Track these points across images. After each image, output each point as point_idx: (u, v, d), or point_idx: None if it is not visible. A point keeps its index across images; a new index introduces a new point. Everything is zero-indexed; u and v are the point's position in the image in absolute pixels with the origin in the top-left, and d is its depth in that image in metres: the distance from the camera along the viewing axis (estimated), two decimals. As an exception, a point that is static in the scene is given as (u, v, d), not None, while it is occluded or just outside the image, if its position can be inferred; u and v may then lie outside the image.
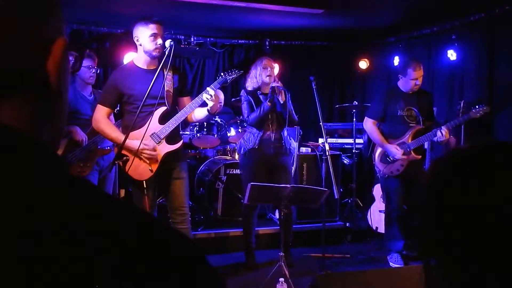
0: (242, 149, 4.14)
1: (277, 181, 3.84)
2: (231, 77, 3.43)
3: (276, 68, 4.47)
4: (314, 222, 4.97)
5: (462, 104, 4.33)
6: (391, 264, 4.28)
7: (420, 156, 4.26)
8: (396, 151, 4.15)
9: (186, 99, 3.38)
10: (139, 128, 3.15)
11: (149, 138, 3.18)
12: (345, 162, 5.83)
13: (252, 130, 4.10)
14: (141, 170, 3.19)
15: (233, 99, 5.68)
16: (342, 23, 5.70)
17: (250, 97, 4.10)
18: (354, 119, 5.42)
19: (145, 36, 3.14)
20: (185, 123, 4.44)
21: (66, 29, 0.57)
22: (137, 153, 3.13)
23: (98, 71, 4.18)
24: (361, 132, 5.89)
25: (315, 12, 5.03)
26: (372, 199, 5.14)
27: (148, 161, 3.18)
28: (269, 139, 4.05)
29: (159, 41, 3.15)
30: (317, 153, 5.20)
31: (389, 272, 2.59)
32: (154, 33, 3.13)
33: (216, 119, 5.06)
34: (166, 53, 3.10)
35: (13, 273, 0.41)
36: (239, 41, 6.54)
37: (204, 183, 5.01)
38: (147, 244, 0.47)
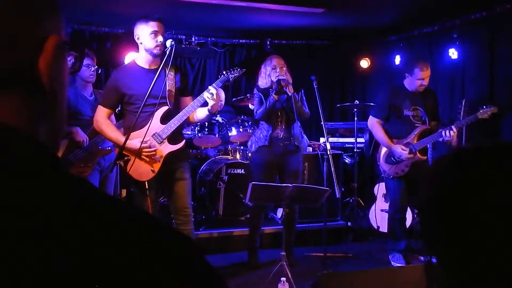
0: (254, 146, 4.15)
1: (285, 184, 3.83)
2: (233, 75, 3.41)
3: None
4: (315, 222, 4.96)
5: (463, 103, 4.31)
6: (393, 263, 4.26)
7: (425, 157, 4.21)
8: (402, 151, 4.08)
9: (187, 98, 3.36)
10: (141, 128, 3.12)
11: (151, 138, 3.16)
12: (346, 161, 5.82)
13: (264, 126, 4.10)
14: (142, 170, 3.16)
15: (234, 99, 5.67)
16: (343, 22, 5.70)
17: (261, 94, 4.10)
18: (356, 118, 5.41)
19: (145, 33, 3.12)
20: (186, 123, 4.42)
21: (66, 28, 0.57)
22: (138, 153, 3.11)
23: (100, 71, 4.17)
24: (362, 131, 5.89)
25: (316, 11, 5.02)
26: (373, 198, 5.13)
27: (149, 162, 3.16)
28: (277, 136, 4.06)
29: (160, 38, 3.12)
30: (319, 152, 5.19)
31: (391, 271, 2.58)
32: (154, 31, 3.11)
33: (217, 119, 5.06)
34: (167, 53, 3.08)
35: (13, 273, 0.41)
36: (240, 40, 6.55)
37: (205, 183, 5.01)
38: (148, 244, 0.47)
